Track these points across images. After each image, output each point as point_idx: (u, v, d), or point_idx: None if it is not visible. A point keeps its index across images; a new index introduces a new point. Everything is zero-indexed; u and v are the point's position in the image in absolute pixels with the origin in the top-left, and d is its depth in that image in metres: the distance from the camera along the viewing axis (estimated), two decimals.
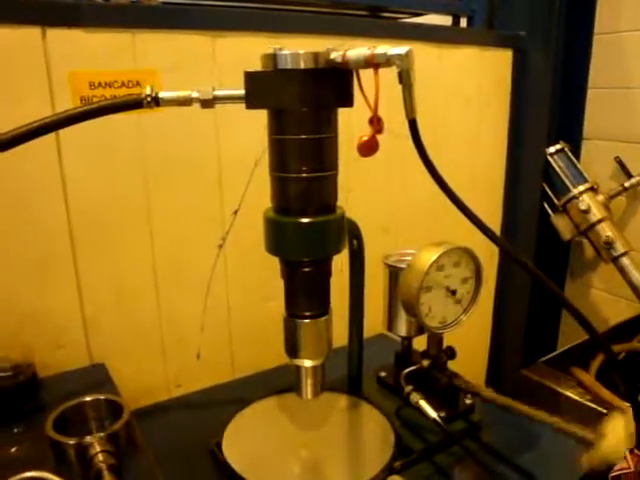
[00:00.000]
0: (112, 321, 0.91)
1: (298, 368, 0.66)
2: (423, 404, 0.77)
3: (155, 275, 0.93)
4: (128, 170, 0.87)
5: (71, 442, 0.60)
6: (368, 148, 0.57)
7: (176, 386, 0.98)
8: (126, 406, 0.65)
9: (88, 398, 0.68)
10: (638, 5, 1.50)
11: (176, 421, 0.87)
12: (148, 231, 0.91)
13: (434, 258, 0.74)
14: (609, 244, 1.48)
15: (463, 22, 1.42)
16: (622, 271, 1.49)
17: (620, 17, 1.55)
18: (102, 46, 0.79)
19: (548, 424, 0.69)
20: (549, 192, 1.57)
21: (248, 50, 0.89)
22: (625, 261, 1.48)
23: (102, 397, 0.68)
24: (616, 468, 0.54)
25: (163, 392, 0.96)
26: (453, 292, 0.78)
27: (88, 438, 0.60)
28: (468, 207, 0.55)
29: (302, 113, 0.56)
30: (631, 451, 0.54)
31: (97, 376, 0.84)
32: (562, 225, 1.56)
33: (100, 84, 0.80)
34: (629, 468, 0.53)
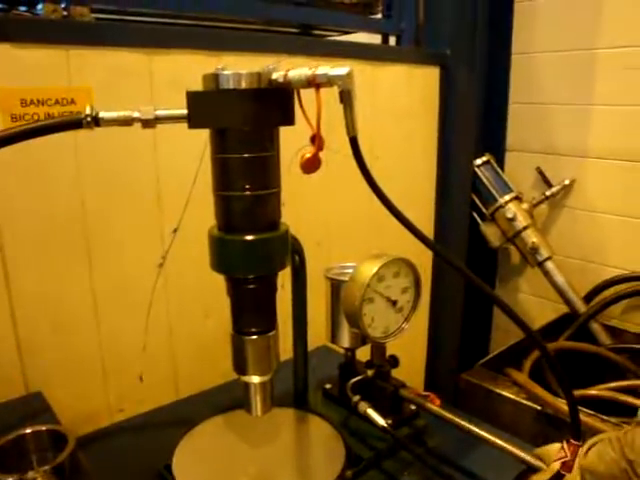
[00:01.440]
0: (49, 347, 0.87)
1: (247, 385, 0.65)
2: (371, 412, 0.78)
3: (94, 296, 0.90)
4: (63, 188, 0.85)
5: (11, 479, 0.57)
6: (311, 165, 0.58)
7: (118, 410, 0.95)
8: (70, 435, 0.63)
9: (29, 430, 0.64)
10: (548, 29, 1.63)
11: (120, 447, 0.84)
12: (86, 251, 0.88)
13: (375, 270, 0.76)
14: (535, 249, 1.57)
15: (392, 41, 1.47)
16: (547, 274, 1.59)
17: (533, 39, 1.67)
18: (34, 62, 0.77)
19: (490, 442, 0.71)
20: (477, 202, 1.65)
21: (185, 68, 0.89)
22: (549, 265, 1.58)
23: (44, 428, 0.65)
24: (556, 458, 0.58)
25: (105, 417, 0.93)
26: (394, 302, 0.80)
27: (31, 473, 0.57)
28: (409, 220, 0.58)
29: (245, 132, 0.56)
30: (568, 441, 0.57)
31: (34, 405, 0.80)
32: (491, 233, 1.64)
33: (32, 101, 0.77)
34: (566, 457, 0.56)
